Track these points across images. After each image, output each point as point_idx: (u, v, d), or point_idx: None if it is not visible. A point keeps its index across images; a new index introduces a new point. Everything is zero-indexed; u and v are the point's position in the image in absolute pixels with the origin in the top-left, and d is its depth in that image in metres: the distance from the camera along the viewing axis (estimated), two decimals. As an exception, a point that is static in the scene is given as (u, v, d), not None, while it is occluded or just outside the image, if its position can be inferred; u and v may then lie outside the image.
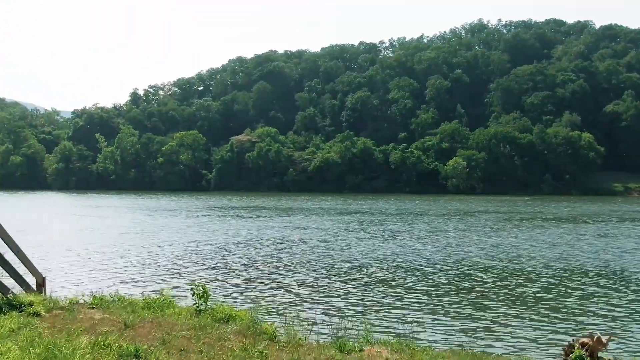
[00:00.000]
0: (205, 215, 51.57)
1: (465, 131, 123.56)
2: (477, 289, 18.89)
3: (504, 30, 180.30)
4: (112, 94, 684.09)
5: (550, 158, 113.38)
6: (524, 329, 13.91)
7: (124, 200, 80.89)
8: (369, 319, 13.69)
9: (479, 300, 17.21)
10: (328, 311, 15.36)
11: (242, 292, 17.99)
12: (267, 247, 29.24)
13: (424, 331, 13.43)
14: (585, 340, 7.56)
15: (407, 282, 19.91)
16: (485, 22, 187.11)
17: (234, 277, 20.72)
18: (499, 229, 39.33)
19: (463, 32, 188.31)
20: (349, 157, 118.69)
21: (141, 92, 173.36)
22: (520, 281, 20.35)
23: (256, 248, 28.81)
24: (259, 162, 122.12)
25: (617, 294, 18.29)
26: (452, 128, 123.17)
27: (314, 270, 22.19)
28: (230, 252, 27.39)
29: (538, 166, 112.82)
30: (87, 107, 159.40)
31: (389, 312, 15.40)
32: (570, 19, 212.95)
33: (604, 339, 7.56)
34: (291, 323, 8.70)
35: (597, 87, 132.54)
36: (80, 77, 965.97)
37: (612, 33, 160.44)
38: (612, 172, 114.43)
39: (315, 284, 19.54)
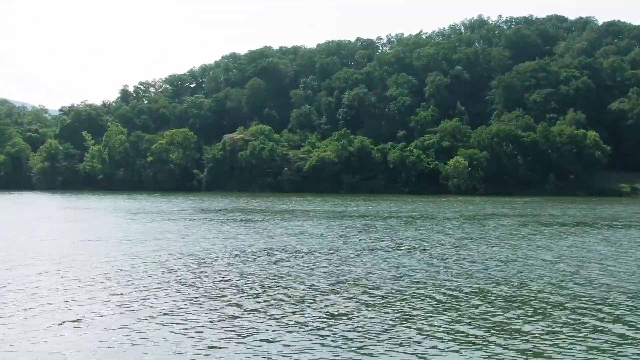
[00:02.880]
0: (189, 219, 46.93)
1: (466, 129, 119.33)
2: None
3: (505, 27, 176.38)
4: (105, 92, 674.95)
5: (554, 157, 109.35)
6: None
7: (105, 201, 76.12)
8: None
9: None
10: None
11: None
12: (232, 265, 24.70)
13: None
14: None
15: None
16: (485, 19, 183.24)
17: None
18: (524, 238, 34.81)
19: (462, 28, 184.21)
20: (345, 156, 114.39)
21: (131, 89, 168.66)
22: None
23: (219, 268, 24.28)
24: (252, 161, 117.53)
25: None
26: (452, 126, 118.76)
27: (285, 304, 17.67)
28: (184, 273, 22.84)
29: (541, 165, 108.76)
30: (75, 105, 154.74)
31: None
32: (571, 16, 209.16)
33: None
34: None
35: (601, 84, 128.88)
36: (77, 75, 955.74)
37: (615, 29, 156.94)
38: (617, 171, 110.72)
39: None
